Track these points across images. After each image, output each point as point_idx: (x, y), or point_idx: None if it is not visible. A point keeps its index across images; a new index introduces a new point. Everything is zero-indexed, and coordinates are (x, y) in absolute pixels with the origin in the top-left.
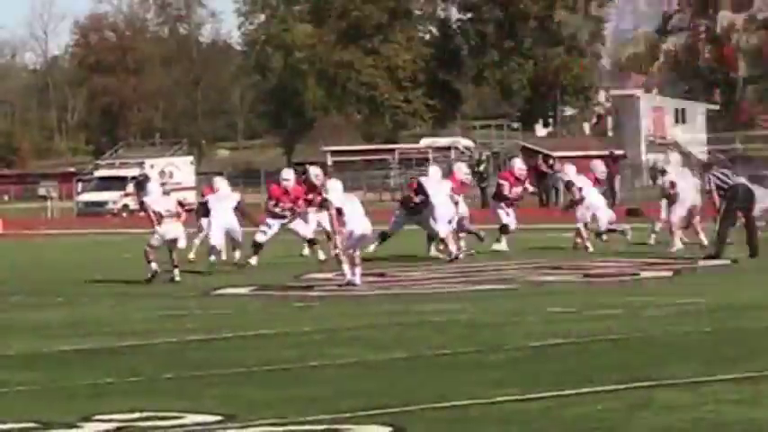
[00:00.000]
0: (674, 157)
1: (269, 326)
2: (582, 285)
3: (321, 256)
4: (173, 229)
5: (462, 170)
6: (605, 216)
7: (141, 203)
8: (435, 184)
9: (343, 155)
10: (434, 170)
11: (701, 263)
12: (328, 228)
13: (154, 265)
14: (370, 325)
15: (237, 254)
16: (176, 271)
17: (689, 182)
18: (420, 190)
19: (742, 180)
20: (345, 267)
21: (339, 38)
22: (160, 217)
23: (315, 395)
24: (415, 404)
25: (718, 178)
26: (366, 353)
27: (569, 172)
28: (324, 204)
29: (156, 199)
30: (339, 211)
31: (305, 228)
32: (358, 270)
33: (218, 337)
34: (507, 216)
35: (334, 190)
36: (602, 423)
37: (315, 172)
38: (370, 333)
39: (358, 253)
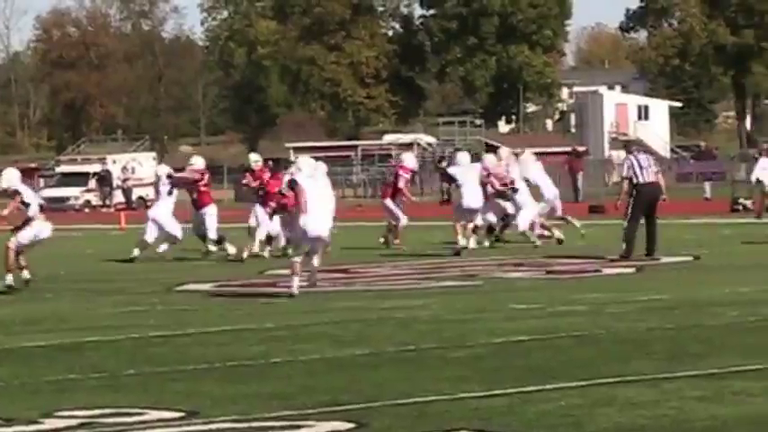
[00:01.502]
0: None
1: (232, 322)
2: (545, 282)
3: (231, 249)
4: (46, 227)
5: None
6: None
7: (17, 200)
8: (466, 170)
9: (306, 151)
10: (463, 156)
11: (612, 264)
12: None
13: (10, 278)
14: (334, 321)
15: (164, 246)
16: (26, 272)
17: None
18: (449, 179)
19: (651, 178)
20: (295, 277)
21: (302, 34)
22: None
23: (278, 391)
24: (379, 400)
25: (633, 167)
26: (329, 349)
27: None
28: (291, 186)
29: (29, 194)
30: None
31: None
32: (316, 262)
33: (181, 333)
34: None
35: (306, 173)
36: (564, 419)
37: (254, 158)
38: (333, 329)
39: (317, 262)
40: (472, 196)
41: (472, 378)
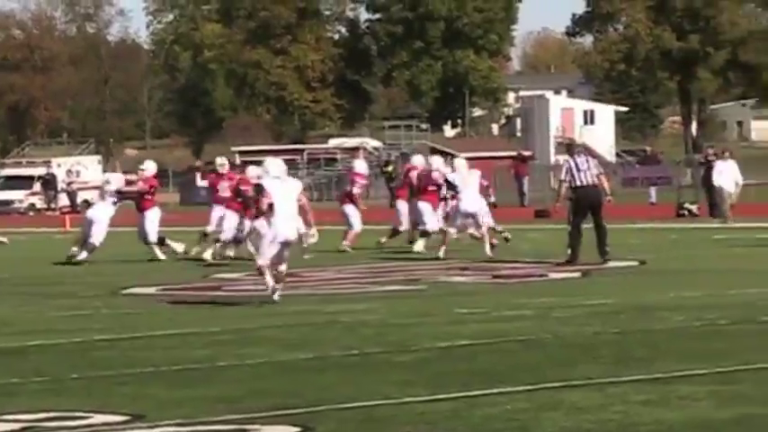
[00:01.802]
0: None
1: (177, 326)
2: (490, 286)
3: (179, 248)
4: None
5: (364, 165)
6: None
7: None
8: (465, 176)
9: (251, 155)
10: (461, 163)
11: (558, 268)
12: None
13: None
14: (280, 325)
15: (85, 254)
16: None
17: None
18: (449, 186)
19: (589, 180)
20: (267, 278)
21: (248, 37)
22: None
23: (223, 395)
24: (324, 404)
25: (570, 171)
26: (275, 353)
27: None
28: (258, 191)
29: None
30: (270, 207)
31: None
32: (280, 286)
33: (127, 337)
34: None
35: (274, 175)
36: (510, 423)
37: (220, 161)
38: (279, 333)
39: (284, 268)
40: (470, 200)
41: (417, 382)
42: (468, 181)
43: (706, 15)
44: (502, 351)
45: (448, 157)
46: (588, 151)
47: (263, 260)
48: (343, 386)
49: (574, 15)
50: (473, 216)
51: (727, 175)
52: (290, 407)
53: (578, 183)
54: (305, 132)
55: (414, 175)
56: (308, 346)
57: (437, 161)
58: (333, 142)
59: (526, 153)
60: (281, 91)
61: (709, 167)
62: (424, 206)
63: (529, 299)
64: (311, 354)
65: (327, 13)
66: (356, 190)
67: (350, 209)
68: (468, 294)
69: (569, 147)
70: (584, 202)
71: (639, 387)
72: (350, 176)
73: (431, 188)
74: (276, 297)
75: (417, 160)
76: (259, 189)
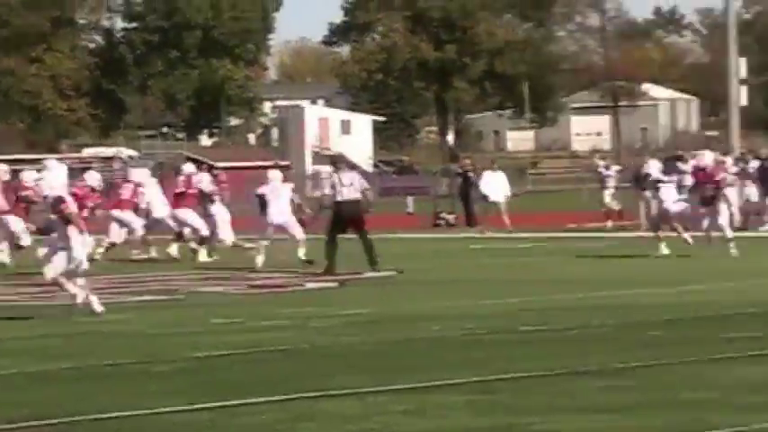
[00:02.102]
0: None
1: None
2: (247, 296)
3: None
4: None
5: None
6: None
7: None
8: (276, 188)
9: (5, 164)
10: (273, 173)
11: (314, 278)
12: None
13: None
14: (37, 335)
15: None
16: None
17: None
18: (261, 200)
19: (351, 195)
20: (69, 286)
21: (1, 45)
22: None
23: None
24: (80, 415)
25: (334, 185)
26: (32, 363)
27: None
28: (57, 202)
29: None
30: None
31: None
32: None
33: None
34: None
35: (63, 183)
36: None
37: (4, 168)
38: (36, 343)
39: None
40: (279, 212)
41: (174, 392)
42: (279, 192)
43: (463, 26)
44: (259, 361)
45: (203, 165)
46: (345, 161)
47: (55, 272)
48: (100, 396)
49: (331, 25)
50: (282, 227)
51: (494, 186)
52: (47, 417)
53: (339, 197)
54: (59, 141)
55: (199, 179)
56: (64, 356)
57: (189, 168)
58: (88, 151)
59: (283, 163)
60: (36, 99)
61: (465, 177)
62: (186, 213)
63: (286, 309)
64: (68, 364)
65: (83, 21)
66: (143, 204)
67: (128, 215)
68: (225, 305)
69: (334, 160)
70: (344, 216)
71: (398, 397)
72: (134, 187)
73: (190, 191)
74: (97, 306)
75: (189, 168)
76: (61, 201)
